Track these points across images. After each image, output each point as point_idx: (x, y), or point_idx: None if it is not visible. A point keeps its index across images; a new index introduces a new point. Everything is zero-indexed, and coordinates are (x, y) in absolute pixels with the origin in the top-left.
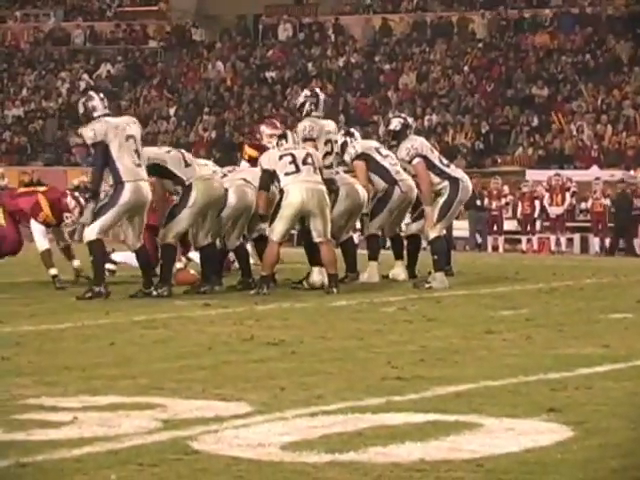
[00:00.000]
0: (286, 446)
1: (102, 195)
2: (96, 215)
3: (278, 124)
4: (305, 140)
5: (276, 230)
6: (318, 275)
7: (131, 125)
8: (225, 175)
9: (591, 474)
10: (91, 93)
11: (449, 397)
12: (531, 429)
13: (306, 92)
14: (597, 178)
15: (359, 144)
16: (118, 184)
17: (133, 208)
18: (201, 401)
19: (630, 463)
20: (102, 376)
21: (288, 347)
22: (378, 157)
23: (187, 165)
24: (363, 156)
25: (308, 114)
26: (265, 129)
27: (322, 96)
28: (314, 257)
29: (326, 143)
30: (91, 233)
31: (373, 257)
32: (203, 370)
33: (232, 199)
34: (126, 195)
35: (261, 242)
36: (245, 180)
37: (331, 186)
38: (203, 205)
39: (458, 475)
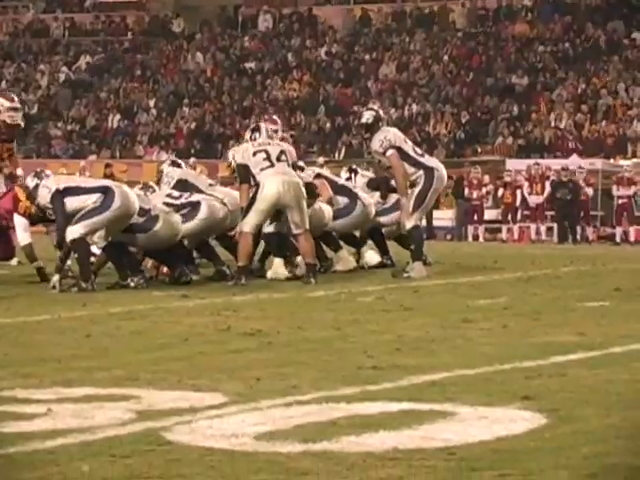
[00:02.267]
0: (260, 436)
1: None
2: (82, 217)
3: (278, 120)
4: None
5: (249, 222)
6: (281, 267)
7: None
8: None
9: (563, 461)
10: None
11: (424, 386)
12: (504, 417)
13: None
14: (580, 167)
15: (311, 170)
16: (105, 192)
17: (121, 216)
18: (176, 392)
19: (602, 450)
20: (77, 368)
21: (265, 337)
22: (335, 178)
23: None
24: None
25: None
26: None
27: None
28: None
29: None
30: (74, 233)
31: (337, 249)
32: (179, 361)
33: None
34: (117, 201)
35: (225, 239)
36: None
37: (308, 186)
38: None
39: (431, 464)
